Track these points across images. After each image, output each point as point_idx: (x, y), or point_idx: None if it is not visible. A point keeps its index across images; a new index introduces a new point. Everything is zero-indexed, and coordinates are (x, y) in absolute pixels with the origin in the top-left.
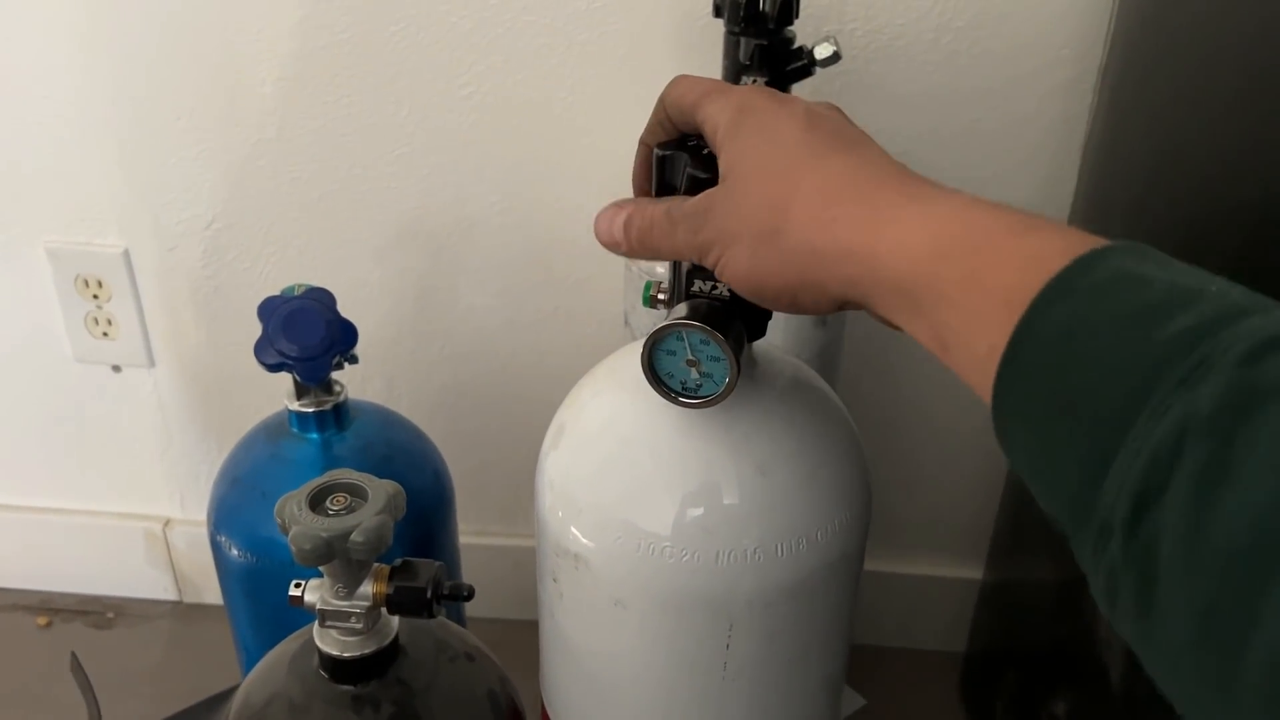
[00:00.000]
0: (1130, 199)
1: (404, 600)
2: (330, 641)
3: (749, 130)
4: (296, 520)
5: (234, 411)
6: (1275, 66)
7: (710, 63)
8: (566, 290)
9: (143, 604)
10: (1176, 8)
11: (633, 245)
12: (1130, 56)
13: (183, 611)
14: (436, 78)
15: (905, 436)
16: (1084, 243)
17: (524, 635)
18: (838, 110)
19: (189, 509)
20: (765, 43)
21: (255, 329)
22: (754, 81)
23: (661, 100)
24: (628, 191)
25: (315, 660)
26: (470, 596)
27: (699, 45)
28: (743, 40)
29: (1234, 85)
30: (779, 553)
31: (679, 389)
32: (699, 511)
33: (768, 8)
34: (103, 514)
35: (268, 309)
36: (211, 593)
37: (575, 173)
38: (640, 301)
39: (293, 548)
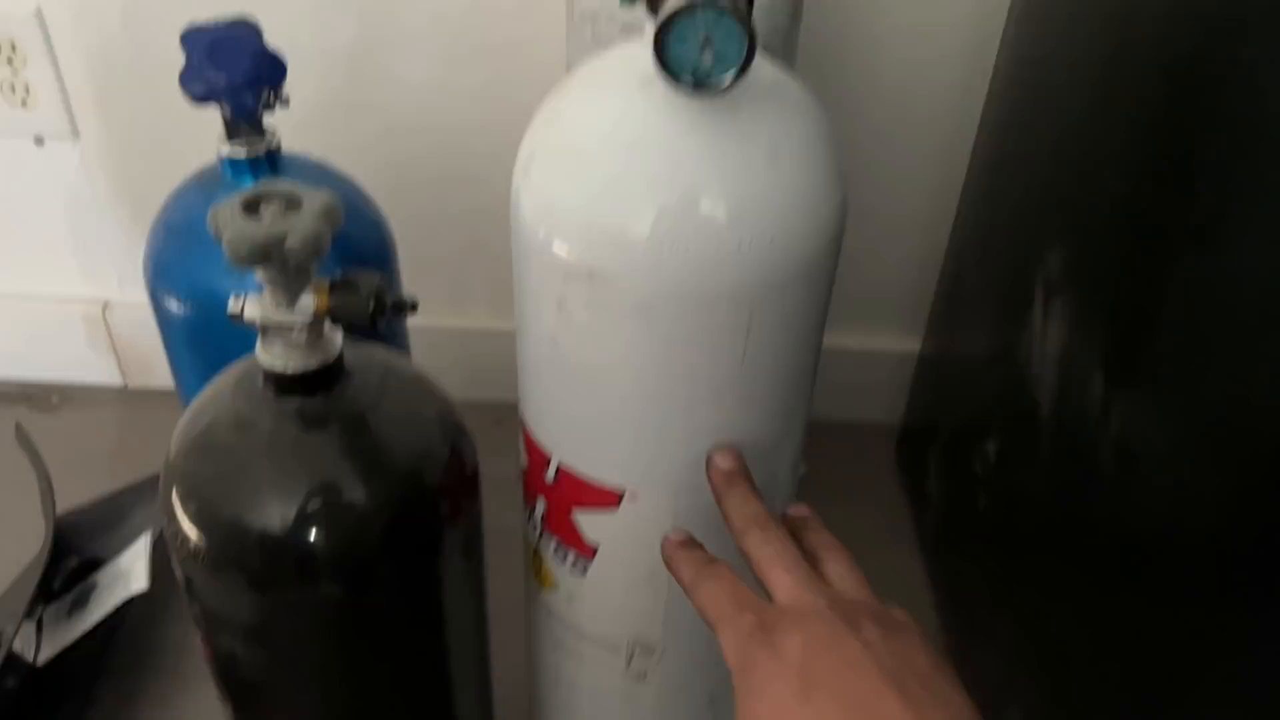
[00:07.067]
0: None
1: (346, 309)
2: (274, 356)
3: (751, 691)
4: (230, 224)
5: (170, 185)
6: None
7: None
8: (503, 57)
9: (87, 389)
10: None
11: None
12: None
13: (129, 396)
14: None
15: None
16: None
17: (472, 415)
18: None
19: (127, 290)
20: None
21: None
22: None
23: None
24: None
25: (259, 379)
26: (415, 308)
27: None
28: None
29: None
30: (792, 237)
31: (690, 80)
32: (719, 204)
33: None
34: (36, 297)
35: (192, 38)
36: (158, 376)
37: None
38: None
39: (227, 250)
